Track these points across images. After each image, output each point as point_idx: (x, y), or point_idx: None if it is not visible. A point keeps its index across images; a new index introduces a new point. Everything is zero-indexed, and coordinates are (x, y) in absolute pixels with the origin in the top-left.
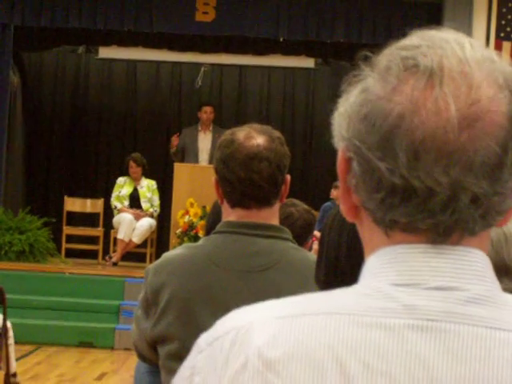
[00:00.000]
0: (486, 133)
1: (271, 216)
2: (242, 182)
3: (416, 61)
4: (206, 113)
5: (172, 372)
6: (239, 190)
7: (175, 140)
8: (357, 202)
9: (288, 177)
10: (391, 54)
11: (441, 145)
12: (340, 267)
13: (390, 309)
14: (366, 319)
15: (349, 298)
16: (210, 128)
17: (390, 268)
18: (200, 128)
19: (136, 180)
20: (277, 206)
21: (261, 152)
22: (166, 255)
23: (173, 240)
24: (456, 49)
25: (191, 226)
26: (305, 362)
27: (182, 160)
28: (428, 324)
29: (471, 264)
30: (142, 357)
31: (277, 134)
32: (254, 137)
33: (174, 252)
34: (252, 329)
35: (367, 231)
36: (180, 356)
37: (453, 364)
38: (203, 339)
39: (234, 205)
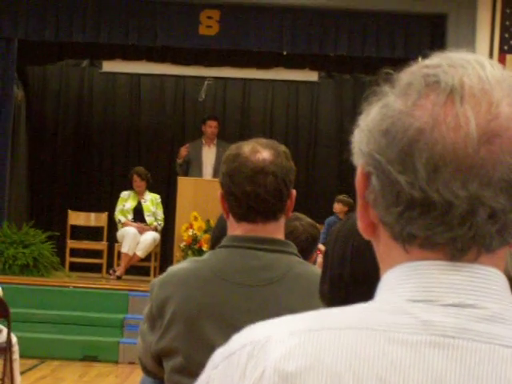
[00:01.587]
0: (504, 149)
1: (277, 230)
2: (248, 196)
3: (437, 78)
4: (211, 127)
5: None
6: (245, 204)
7: (184, 151)
8: (374, 218)
9: (293, 191)
10: (412, 72)
11: (460, 159)
12: (344, 282)
13: (407, 324)
14: (383, 334)
15: (366, 313)
16: (215, 142)
17: (408, 284)
18: (204, 142)
19: (140, 194)
20: (282, 220)
21: (266, 166)
22: (171, 269)
23: (177, 254)
24: (477, 68)
25: (195, 240)
26: (322, 376)
27: (186, 174)
28: (444, 340)
29: (488, 282)
30: (146, 371)
31: (282, 148)
32: (260, 151)
33: (179, 266)
34: (269, 343)
35: (384, 248)
36: (185, 370)
37: (468, 381)
38: (219, 353)
39: (239, 219)
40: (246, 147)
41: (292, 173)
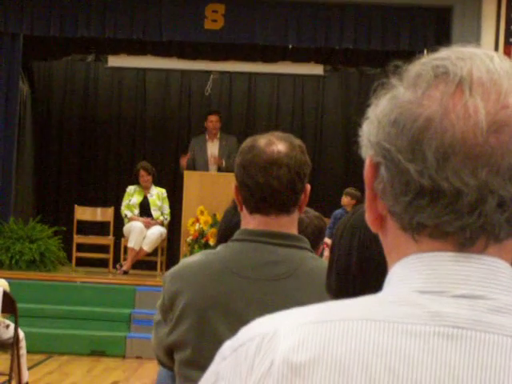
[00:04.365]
0: None
1: (290, 224)
2: (261, 187)
3: (446, 69)
4: (212, 122)
5: (187, 379)
6: (258, 195)
7: (183, 160)
8: (382, 210)
9: (308, 186)
10: (421, 64)
11: (469, 147)
12: (351, 275)
13: (417, 316)
14: (392, 326)
15: (374, 305)
16: (218, 136)
17: (416, 275)
18: (208, 137)
19: (146, 188)
20: (296, 215)
21: (281, 158)
22: (184, 261)
23: (183, 248)
24: (485, 60)
25: (201, 234)
26: (331, 367)
27: (193, 168)
28: (454, 331)
29: (497, 273)
30: (160, 362)
31: (298, 141)
32: (275, 143)
33: (192, 258)
34: (278, 335)
35: (393, 239)
36: (194, 363)
37: (478, 372)
38: (228, 346)
39: (252, 211)
40: (262, 139)
41: (307, 167)
